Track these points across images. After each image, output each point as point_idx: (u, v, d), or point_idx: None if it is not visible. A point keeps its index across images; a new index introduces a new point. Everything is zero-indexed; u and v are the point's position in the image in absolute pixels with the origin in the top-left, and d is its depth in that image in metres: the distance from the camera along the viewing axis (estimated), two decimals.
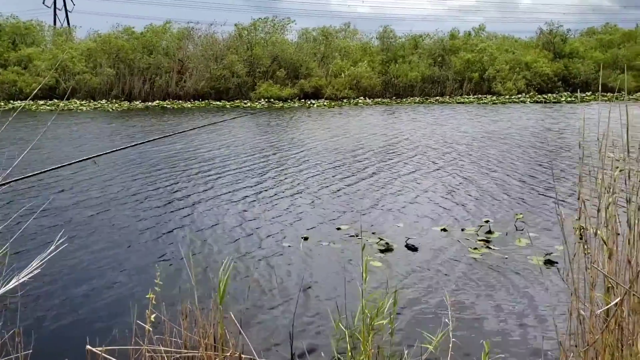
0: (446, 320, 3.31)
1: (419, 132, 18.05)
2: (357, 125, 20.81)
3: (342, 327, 3.06)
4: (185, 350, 3.40)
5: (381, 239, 6.54)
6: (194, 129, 7.15)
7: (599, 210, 2.83)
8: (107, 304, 4.91)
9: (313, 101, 33.64)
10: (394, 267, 5.77)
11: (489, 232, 6.90)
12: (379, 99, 35.14)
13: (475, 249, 6.31)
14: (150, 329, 3.09)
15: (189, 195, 9.14)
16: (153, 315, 3.11)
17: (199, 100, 33.93)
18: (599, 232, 2.78)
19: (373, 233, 6.90)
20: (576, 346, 2.83)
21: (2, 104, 31.16)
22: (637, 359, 2.54)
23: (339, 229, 7.14)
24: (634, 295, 2.60)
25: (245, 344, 3.64)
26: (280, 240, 6.71)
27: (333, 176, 10.69)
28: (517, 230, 7.03)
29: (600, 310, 2.69)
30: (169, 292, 4.71)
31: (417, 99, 35.07)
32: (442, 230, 7.05)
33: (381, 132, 18.16)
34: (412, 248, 6.36)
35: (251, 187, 9.81)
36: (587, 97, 33.46)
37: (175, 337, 3.45)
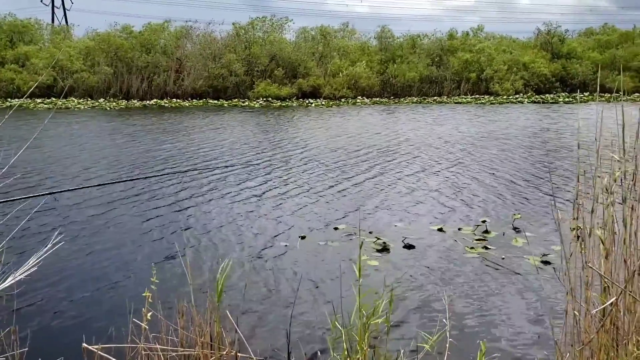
0: (443, 319, 3.31)
1: (418, 132, 18.05)
2: (356, 125, 20.80)
3: (339, 326, 3.06)
4: (182, 349, 3.40)
5: (378, 239, 6.55)
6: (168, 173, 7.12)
7: (593, 211, 2.83)
8: (104, 302, 4.91)
9: (311, 100, 33.60)
10: (390, 267, 5.78)
11: (486, 231, 6.91)
12: (377, 99, 35.11)
13: (472, 248, 6.32)
14: (147, 327, 3.09)
15: (185, 195, 9.14)
16: (149, 314, 3.11)
17: (197, 99, 33.85)
18: (596, 231, 2.79)
19: (370, 232, 6.91)
20: (572, 345, 2.84)
21: (0, 102, 31.12)
22: (632, 358, 2.55)
23: (336, 228, 7.15)
24: (629, 294, 2.61)
25: (242, 343, 3.65)
26: (277, 240, 6.71)
27: (332, 176, 10.70)
28: (514, 230, 7.04)
29: (596, 309, 2.70)
30: (166, 291, 4.70)
31: (415, 99, 35.05)
32: (439, 230, 7.05)
33: (380, 132, 18.16)
34: (409, 247, 6.37)
35: (249, 187, 9.81)
36: (585, 98, 33.50)
37: (172, 336, 3.45)
